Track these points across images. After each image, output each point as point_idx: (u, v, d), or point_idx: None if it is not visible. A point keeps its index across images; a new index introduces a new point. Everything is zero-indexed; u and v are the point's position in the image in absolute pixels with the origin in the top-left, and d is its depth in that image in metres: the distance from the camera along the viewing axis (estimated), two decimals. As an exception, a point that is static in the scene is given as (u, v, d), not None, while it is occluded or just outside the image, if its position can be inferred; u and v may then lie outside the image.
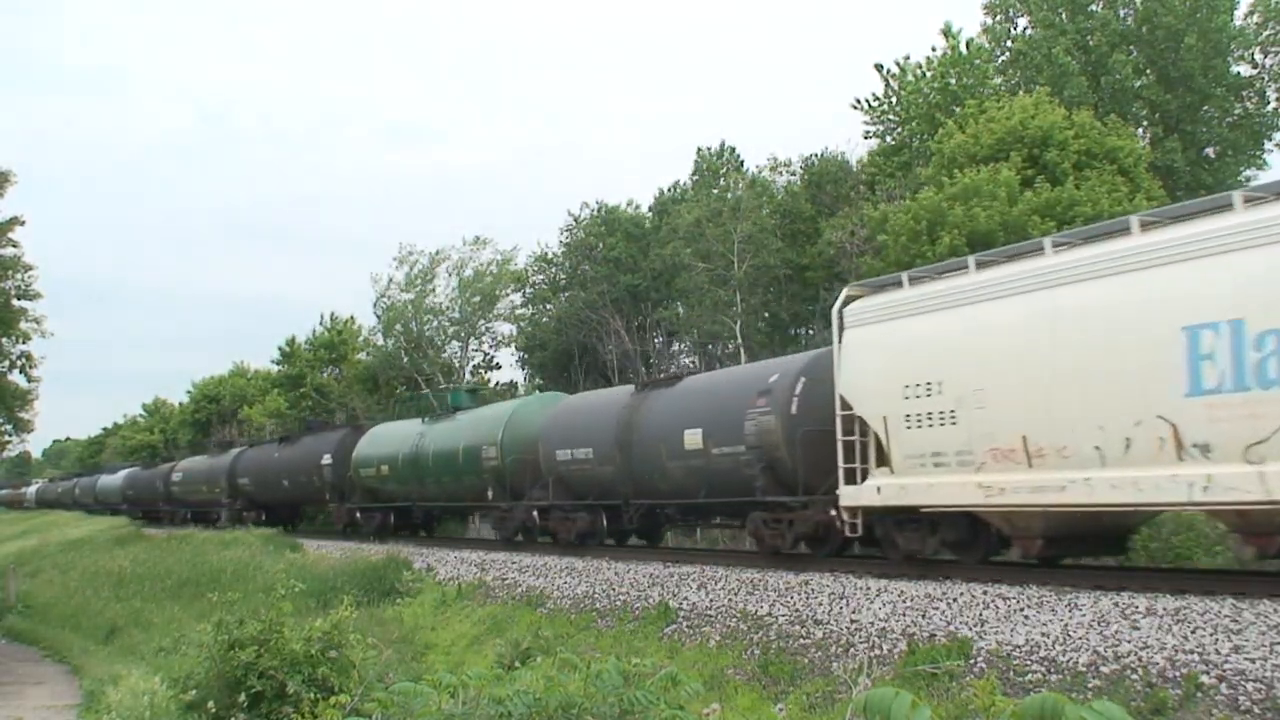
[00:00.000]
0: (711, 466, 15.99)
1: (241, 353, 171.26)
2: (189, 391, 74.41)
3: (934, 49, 32.75)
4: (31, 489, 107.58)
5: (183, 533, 37.50)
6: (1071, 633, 9.71)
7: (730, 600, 13.73)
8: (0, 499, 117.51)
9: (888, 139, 33.47)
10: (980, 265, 12.31)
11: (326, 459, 30.72)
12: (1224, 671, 8.26)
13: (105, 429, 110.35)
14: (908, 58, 33.07)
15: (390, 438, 27.96)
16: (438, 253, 44.94)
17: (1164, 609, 9.77)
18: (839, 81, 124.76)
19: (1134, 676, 8.66)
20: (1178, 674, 8.44)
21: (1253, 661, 8.30)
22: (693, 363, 38.56)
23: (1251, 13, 30.73)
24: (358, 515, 29.15)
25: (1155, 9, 29.44)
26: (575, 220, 43.03)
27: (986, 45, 32.21)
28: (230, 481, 38.74)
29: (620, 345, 37.93)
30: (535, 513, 21.08)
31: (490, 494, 22.76)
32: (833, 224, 30.77)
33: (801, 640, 11.70)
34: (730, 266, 32.70)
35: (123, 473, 62.13)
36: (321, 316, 55.55)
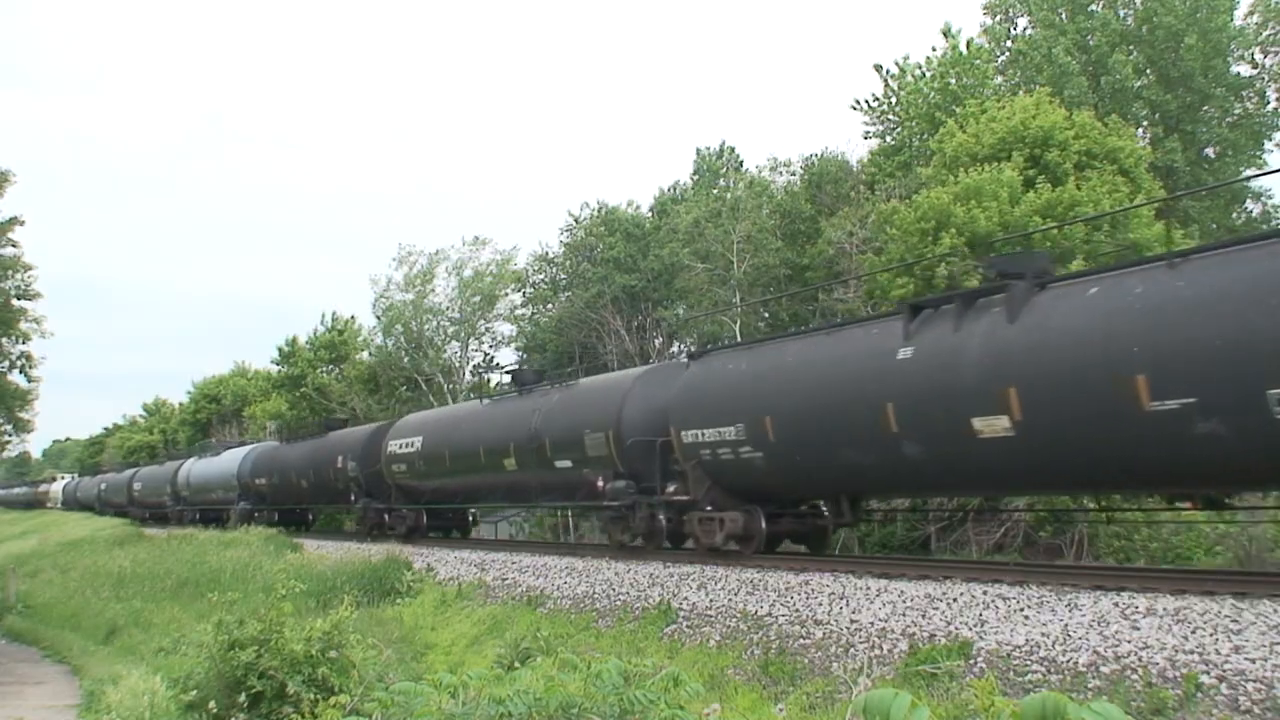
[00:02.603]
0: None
1: (241, 353, 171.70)
2: (189, 391, 74.81)
3: (934, 49, 32.82)
4: (57, 485, 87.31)
5: (183, 532, 37.36)
6: (1071, 633, 9.70)
7: (730, 600, 13.72)
8: (13, 499, 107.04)
9: (888, 139, 33.51)
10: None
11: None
12: (1224, 671, 8.25)
13: (105, 429, 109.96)
14: (907, 58, 33.17)
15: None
16: (437, 253, 45.01)
17: (1164, 609, 9.75)
18: (839, 81, 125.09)
19: (1134, 676, 8.65)
20: (1178, 674, 8.43)
21: (1253, 661, 8.29)
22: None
23: (1251, 13, 30.75)
24: None
25: (1155, 9, 29.44)
26: (575, 220, 43.02)
27: (986, 45, 32.23)
28: (620, 446, 17.75)
29: (620, 345, 37.90)
30: None
31: None
32: (833, 223, 30.77)
33: (801, 640, 11.69)
34: (730, 266, 32.68)
35: (235, 453, 39.49)
36: (323, 316, 55.75)
